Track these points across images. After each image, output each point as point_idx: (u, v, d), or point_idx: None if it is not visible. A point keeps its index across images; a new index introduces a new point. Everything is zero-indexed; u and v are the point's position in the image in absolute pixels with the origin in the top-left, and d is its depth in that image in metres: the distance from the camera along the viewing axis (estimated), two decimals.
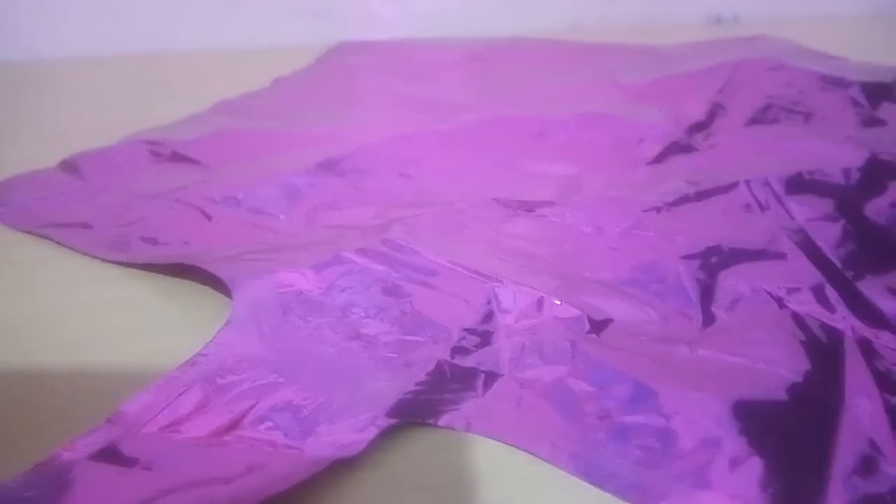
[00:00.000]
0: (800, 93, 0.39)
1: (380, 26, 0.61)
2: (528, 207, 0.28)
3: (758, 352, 0.20)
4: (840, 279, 0.24)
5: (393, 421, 0.19)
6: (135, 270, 0.26)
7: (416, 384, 0.20)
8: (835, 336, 0.21)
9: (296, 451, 0.18)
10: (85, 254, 0.27)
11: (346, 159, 0.33)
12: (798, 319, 0.22)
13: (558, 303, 0.22)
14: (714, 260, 0.25)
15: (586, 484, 0.17)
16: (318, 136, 0.36)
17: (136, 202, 0.30)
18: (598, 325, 0.22)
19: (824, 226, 0.26)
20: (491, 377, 0.20)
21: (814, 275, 0.24)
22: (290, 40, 0.57)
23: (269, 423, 0.18)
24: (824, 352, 0.21)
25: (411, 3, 0.62)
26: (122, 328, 0.23)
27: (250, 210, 0.30)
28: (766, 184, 0.28)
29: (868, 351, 0.21)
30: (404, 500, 0.17)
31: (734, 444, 0.17)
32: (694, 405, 0.18)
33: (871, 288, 0.23)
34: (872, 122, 0.36)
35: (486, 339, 0.21)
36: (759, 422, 0.18)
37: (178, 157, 0.35)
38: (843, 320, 0.22)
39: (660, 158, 0.34)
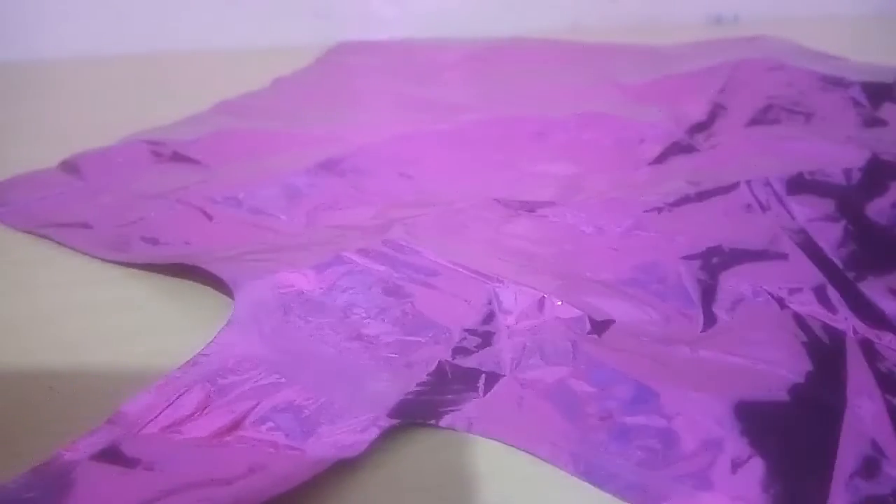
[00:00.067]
0: (800, 93, 0.39)
1: (380, 26, 0.61)
2: (529, 208, 0.28)
3: (759, 352, 0.20)
4: (841, 280, 0.24)
5: (394, 421, 0.18)
6: (135, 270, 0.26)
7: (418, 385, 0.20)
8: (836, 337, 0.21)
9: (297, 451, 0.18)
10: (85, 254, 0.27)
11: (347, 159, 0.33)
12: (799, 320, 0.22)
13: (559, 303, 0.22)
14: (715, 260, 0.25)
15: (587, 485, 0.17)
16: (319, 136, 0.36)
17: (137, 202, 0.30)
18: (600, 326, 0.22)
19: (825, 226, 0.26)
20: (492, 378, 0.20)
21: (815, 275, 0.24)
22: (290, 40, 0.57)
23: (271, 424, 0.18)
24: (826, 353, 0.21)
25: (411, 3, 0.62)
26: (123, 328, 0.23)
27: (251, 210, 0.30)
28: (767, 184, 0.28)
29: (870, 352, 0.21)
30: (405, 501, 0.17)
31: (736, 444, 0.17)
32: (695, 406, 0.18)
33: (873, 288, 0.23)
34: (873, 122, 0.36)
35: (487, 339, 0.21)
36: (760, 423, 0.18)
37: (178, 157, 0.35)
38: (845, 321, 0.22)
39: (660, 159, 0.34)
